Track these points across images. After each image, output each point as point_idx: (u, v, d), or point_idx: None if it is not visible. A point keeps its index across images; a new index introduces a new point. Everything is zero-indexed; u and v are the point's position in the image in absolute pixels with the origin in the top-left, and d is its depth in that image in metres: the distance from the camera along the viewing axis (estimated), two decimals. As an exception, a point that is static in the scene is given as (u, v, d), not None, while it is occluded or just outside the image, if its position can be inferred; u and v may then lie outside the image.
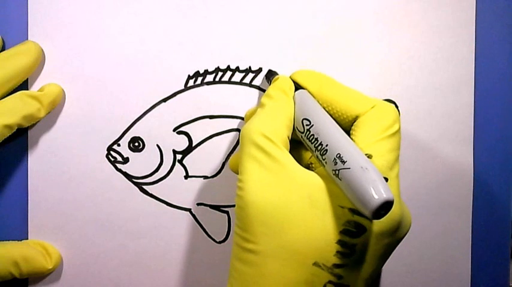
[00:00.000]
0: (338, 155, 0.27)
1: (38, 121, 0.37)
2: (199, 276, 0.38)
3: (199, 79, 0.38)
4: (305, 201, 0.28)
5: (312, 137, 0.30)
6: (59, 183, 0.38)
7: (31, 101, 0.35)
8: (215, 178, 0.38)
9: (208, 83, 0.38)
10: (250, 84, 0.38)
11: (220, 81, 0.38)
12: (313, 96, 0.33)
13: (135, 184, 0.38)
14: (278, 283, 0.27)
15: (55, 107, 0.37)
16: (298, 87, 0.34)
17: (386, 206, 0.25)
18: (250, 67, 0.38)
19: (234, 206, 0.38)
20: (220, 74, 0.38)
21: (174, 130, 0.38)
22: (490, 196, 0.39)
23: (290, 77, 0.34)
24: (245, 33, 0.38)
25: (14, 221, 0.38)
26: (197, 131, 0.38)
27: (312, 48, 0.38)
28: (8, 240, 0.37)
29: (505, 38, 0.38)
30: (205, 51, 0.38)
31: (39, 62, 0.37)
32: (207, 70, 0.38)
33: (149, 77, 0.38)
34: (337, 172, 0.27)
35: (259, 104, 0.33)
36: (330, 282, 0.27)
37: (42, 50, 0.37)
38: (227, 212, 0.38)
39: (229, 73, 0.38)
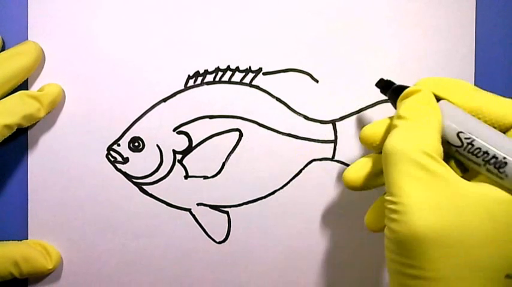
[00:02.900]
0: None
1: (38, 121, 0.37)
2: (199, 276, 0.38)
3: (199, 79, 0.38)
4: (483, 216, 0.26)
5: (477, 150, 0.28)
6: (59, 183, 0.38)
7: (31, 101, 0.35)
8: (215, 178, 0.38)
9: (208, 83, 0.38)
10: (250, 84, 0.38)
11: (220, 81, 0.38)
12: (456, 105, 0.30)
13: (135, 184, 0.38)
14: None
15: (55, 107, 0.37)
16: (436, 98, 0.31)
17: None
18: (250, 67, 0.38)
19: (233, 206, 0.38)
20: (220, 74, 0.38)
21: (174, 130, 0.38)
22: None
23: (420, 84, 0.31)
24: (245, 33, 0.38)
25: (14, 221, 0.38)
26: (197, 131, 0.38)
27: (312, 49, 0.38)
28: (8, 240, 0.37)
29: (505, 38, 0.38)
30: (205, 51, 0.38)
31: (39, 62, 0.37)
32: (207, 70, 0.38)
33: (149, 77, 0.38)
34: None
35: (397, 117, 0.29)
36: None
37: (42, 50, 0.37)
38: (227, 212, 0.38)
39: (229, 73, 0.38)
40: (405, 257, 0.26)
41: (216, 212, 0.38)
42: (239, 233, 0.38)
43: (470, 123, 0.29)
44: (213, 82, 0.38)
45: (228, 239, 0.38)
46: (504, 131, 0.29)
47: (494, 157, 0.27)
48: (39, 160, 0.38)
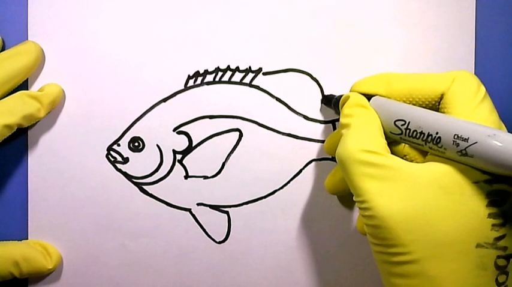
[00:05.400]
0: (456, 136, 0.27)
1: (38, 121, 0.37)
2: (199, 276, 0.38)
3: (199, 79, 0.38)
4: (438, 192, 0.27)
5: (414, 133, 0.29)
6: (59, 183, 0.38)
7: (31, 101, 0.35)
8: (215, 178, 0.38)
9: (208, 83, 0.38)
10: (250, 84, 0.38)
11: (220, 81, 0.38)
12: (388, 97, 0.32)
13: (135, 184, 0.38)
14: (451, 279, 0.27)
15: (55, 107, 0.37)
16: (367, 97, 0.32)
17: None
18: (250, 67, 0.38)
19: (233, 206, 0.38)
20: (220, 74, 0.38)
21: (174, 130, 0.38)
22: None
23: (352, 90, 0.34)
24: (245, 33, 0.38)
25: (14, 221, 0.38)
26: (197, 131, 0.38)
27: (311, 48, 0.38)
28: (8, 240, 0.37)
29: (505, 38, 0.38)
30: (205, 51, 0.38)
31: (39, 62, 0.37)
32: (207, 70, 0.38)
33: (149, 77, 0.38)
34: (464, 151, 0.26)
35: (341, 126, 0.32)
36: (498, 257, 0.27)
37: (42, 50, 0.37)
38: (227, 212, 0.38)
39: (229, 73, 0.38)
40: (383, 247, 0.28)
41: (216, 212, 0.38)
42: (239, 233, 0.38)
43: (401, 110, 0.30)
44: (213, 82, 0.38)
45: (228, 239, 0.38)
46: (436, 102, 0.31)
47: (429, 134, 0.28)
48: (39, 160, 0.38)
